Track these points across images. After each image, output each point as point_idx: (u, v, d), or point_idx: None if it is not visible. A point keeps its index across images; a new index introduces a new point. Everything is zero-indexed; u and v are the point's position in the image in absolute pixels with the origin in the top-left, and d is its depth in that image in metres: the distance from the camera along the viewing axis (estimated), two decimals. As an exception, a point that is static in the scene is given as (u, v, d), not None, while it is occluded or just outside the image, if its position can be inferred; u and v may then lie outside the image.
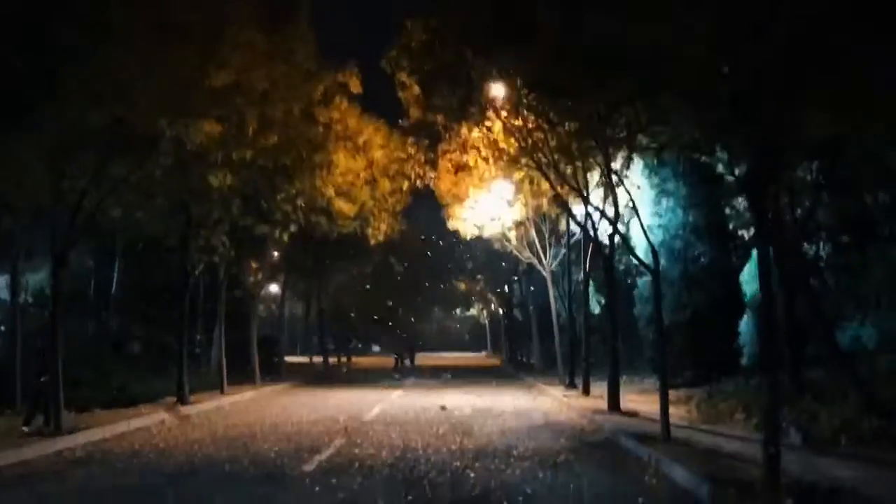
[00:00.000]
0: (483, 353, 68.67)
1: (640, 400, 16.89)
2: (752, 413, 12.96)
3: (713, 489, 7.08)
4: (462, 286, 47.61)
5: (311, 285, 39.61)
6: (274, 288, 41.13)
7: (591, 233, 15.91)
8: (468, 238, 26.30)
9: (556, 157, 13.89)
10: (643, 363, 22.62)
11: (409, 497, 7.27)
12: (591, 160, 14.20)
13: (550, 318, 37.20)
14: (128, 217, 16.75)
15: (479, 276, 44.64)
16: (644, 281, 20.02)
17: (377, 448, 10.47)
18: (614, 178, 13.65)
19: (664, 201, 19.79)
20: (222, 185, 13.45)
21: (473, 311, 61.18)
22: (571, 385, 20.25)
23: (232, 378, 23.35)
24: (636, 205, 13.15)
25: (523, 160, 15.84)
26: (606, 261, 15.41)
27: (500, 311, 48.94)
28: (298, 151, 15.33)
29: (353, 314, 46.84)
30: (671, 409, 15.16)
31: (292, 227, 18.54)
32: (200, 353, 27.61)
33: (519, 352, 44.10)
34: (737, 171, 20.39)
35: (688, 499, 7.30)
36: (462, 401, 18.46)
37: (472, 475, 8.33)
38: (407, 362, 43.49)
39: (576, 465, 8.95)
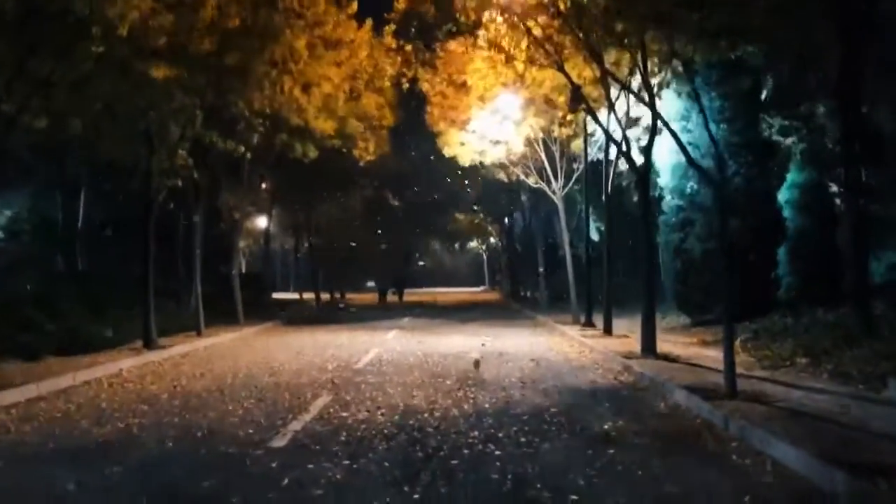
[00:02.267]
0: (481, 288, 66.98)
1: (670, 340, 14.82)
2: (817, 356, 10.89)
3: (853, 484, 4.91)
4: (461, 218, 45.20)
5: (299, 217, 37.22)
6: (263, 221, 38.97)
7: (623, 141, 13.39)
8: (466, 165, 23.74)
9: (592, 36, 11.26)
10: (663, 298, 20.54)
11: (415, 497, 5.10)
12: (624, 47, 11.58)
13: (555, 250, 35.37)
14: (77, 137, 14.34)
15: (476, 208, 42.27)
16: (672, 205, 17.69)
17: (371, 409, 8.33)
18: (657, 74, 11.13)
19: (693, 116, 17.28)
20: (168, 78, 10.86)
21: (473, 244, 58.86)
22: (588, 323, 18.14)
23: (215, 318, 21.35)
24: (697, 96, 10.63)
25: (537, 56, 13.27)
26: (641, 175, 12.99)
27: (500, 243, 46.75)
28: (255, 43, 12.57)
29: (335, 245, 44.41)
30: (711, 352, 13.19)
31: (255, 140, 15.94)
32: (180, 290, 25.44)
33: (521, 286, 42.04)
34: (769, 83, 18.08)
35: (817, 498, 5.11)
36: (467, 342, 16.36)
37: (497, 453, 6.18)
38: (394, 297, 41.80)
39: (632, 438, 6.78)
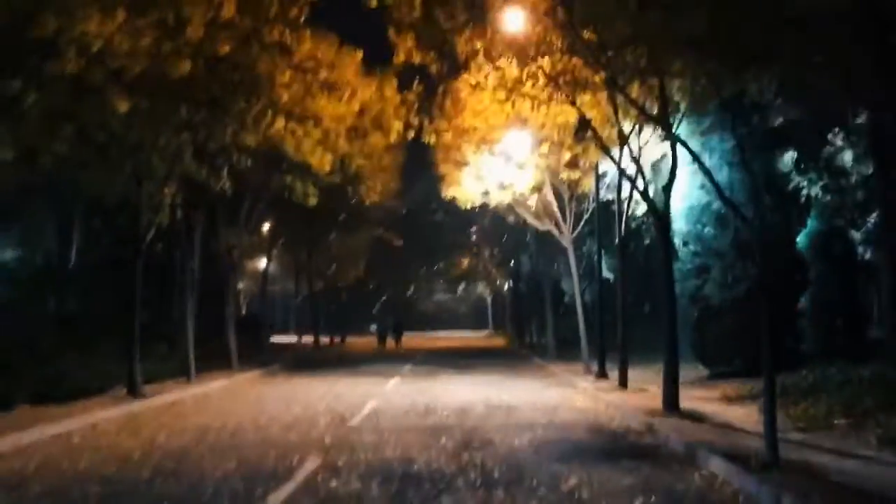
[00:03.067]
0: (485, 333, 65.73)
1: (690, 395, 13.70)
2: (860, 418, 9.89)
3: None
4: (465, 261, 44.29)
5: (301, 259, 36.43)
6: (264, 262, 38.28)
7: (640, 179, 12.55)
8: (469, 207, 22.71)
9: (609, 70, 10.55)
10: (681, 348, 19.50)
11: None
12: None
13: (562, 294, 34.33)
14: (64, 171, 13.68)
15: (481, 249, 41.45)
16: (687, 251, 16.78)
17: (364, 477, 7.33)
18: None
19: (706, 157, 16.49)
20: (152, 110, 10.17)
21: (478, 288, 57.79)
22: (601, 374, 17.10)
23: (209, 363, 20.48)
24: (733, 125, 9.83)
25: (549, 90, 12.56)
26: (661, 217, 12.12)
27: (506, 286, 45.69)
28: (237, 77, 11.88)
29: (337, 287, 43.52)
30: (737, 409, 12.15)
31: (245, 176, 15.17)
32: (175, 332, 24.50)
33: (527, 331, 40.92)
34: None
35: None
36: (472, 394, 15.33)
37: (510, 541, 5.19)
38: (392, 342, 40.95)
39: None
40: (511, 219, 23.19)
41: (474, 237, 40.77)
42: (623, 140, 13.22)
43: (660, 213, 12.19)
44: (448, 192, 21.32)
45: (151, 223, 14.64)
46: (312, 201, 18.58)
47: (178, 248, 22.77)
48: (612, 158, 13.78)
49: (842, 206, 16.70)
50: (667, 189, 12.23)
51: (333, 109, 14.94)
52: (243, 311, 46.56)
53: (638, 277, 25.07)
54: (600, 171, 18.11)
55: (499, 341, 47.35)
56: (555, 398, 14.65)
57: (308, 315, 45.37)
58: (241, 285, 46.05)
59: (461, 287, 64.35)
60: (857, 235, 18.69)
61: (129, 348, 14.86)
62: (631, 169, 13.76)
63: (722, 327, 16.16)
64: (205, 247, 22.82)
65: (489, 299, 65.90)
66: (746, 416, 11.15)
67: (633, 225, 22.28)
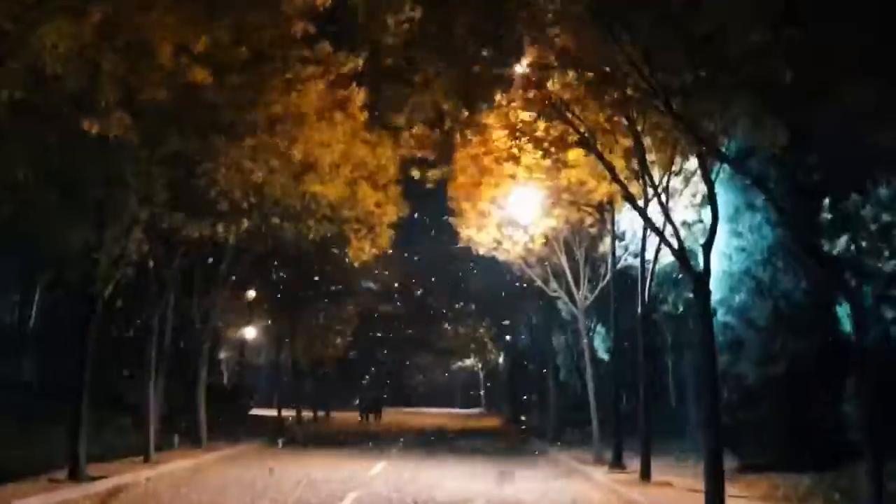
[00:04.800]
0: (477, 410, 62.89)
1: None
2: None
3: None
4: (461, 330, 42.23)
5: (284, 328, 34.46)
6: (248, 331, 36.44)
7: (675, 238, 10.82)
8: (479, 253, 20.39)
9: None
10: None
11: None
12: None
13: (559, 371, 32.19)
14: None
15: (479, 322, 39.57)
16: (721, 322, 14.89)
17: None
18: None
19: (747, 217, 14.86)
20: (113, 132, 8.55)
21: (470, 362, 55.38)
22: (617, 464, 14.94)
23: (178, 438, 18.35)
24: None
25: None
26: (700, 282, 10.30)
27: (500, 360, 43.51)
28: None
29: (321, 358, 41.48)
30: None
31: (245, 223, 13.41)
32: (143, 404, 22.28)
33: (524, 411, 38.57)
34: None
35: None
36: (470, 485, 13.11)
37: None
38: (373, 418, 39.03)
39: None
40: (516, 268, 20.83)
41: (473, 307, 38.92)
42: (654, 189, 11.67)
43: (698, 276, 10.37)
44: (464, 233, 19.18)
45: (110, 277, 12.72)
46: (313, 233, 16.62)
47: (148, 308, 20.80)
48: (636, 208, 12.07)
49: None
50: (706, 248, 10.47)
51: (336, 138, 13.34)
52: (224, 382, 44.21)
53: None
54: (618, 231, 16.56)
55: (493, 421, 44.65)
56: (567, 494, 12.45)
57: (292, 387, 43.12)
58: (223, 354, 43.92)
59: (452, 361, 61.92)
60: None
61: (73, 422, 12.76)
62: (658, 222, 12.10)
63: (757, 411, 14.19)
64: (186, 310, 20.87)
65: (482, 375, 63.33)
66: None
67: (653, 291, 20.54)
